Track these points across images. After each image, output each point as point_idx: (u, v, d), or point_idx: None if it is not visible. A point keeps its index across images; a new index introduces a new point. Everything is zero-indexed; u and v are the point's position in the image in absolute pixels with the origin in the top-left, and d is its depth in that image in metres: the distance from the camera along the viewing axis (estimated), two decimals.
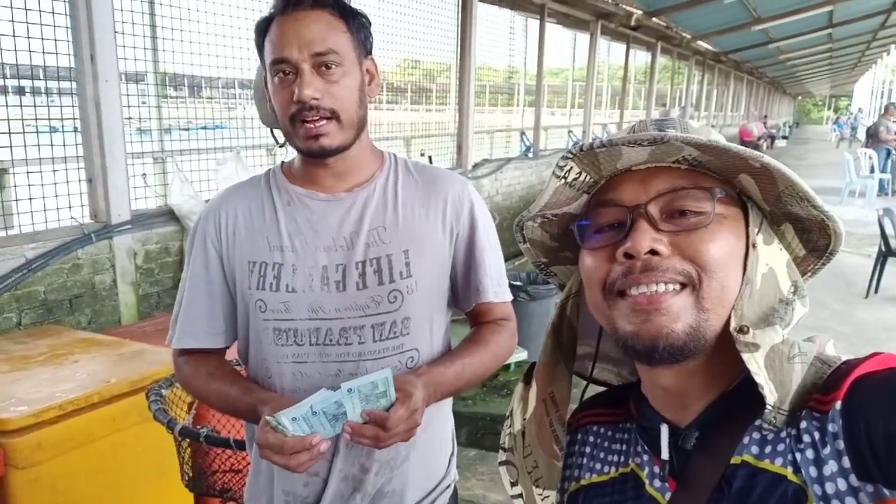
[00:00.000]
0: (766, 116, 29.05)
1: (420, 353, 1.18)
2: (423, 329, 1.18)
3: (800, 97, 60.94)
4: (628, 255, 0.61)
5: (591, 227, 0.66)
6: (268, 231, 1.16)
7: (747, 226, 0.63)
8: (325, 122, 1.08)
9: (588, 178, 0.66)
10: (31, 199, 3.07)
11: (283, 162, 1.25)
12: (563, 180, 0.65)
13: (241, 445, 1.51)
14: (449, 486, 1.29)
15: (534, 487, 0.77)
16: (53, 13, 3.02)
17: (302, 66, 1.06)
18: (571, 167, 0.64)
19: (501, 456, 0.82)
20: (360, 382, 0.95)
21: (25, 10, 2.93)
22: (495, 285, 1.22)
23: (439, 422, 1.26)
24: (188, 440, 1.68)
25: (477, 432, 3.40)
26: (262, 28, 1.11)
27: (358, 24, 1.13)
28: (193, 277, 1.20)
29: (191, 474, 1.80)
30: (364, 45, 1.15)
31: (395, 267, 1.13)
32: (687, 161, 0.62)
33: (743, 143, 20.25)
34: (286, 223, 1.16)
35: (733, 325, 0.60)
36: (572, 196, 0.68)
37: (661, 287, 0.59)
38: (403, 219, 1.16)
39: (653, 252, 0.60)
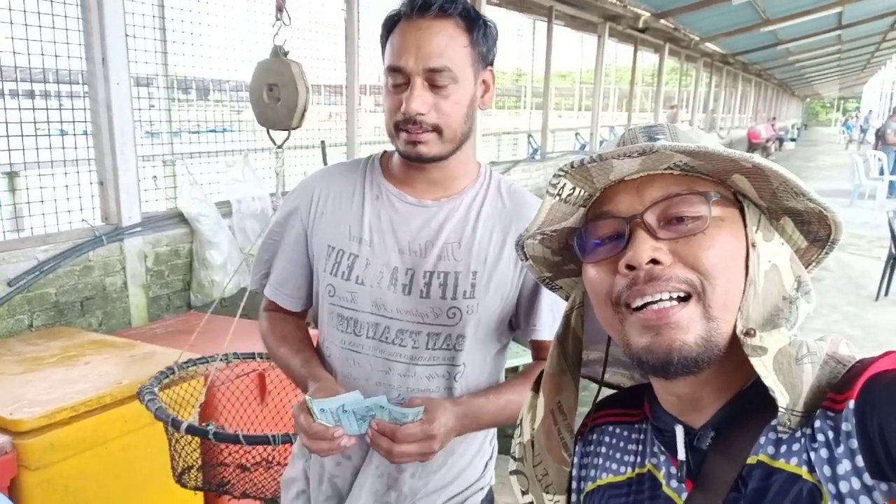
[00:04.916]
0: (774, 118, 28.85)
1: (466, 369, 1.17)
2: (477, 350, 1.17)
3: (808, 99, 60.60)
4: (630, 267, 0.61)
5: (591, 240, 0.66)
6: (351, 220, 1.18)
7: (745, 226, 0.63)
8: (425, 133, 1.09)
9: (582, 192, 0.66)
10: (42, 201, 3.10)
11: (385, 151, 1.27)
12: (557, 197, 0.66)
13: (250, 441, 1.55)
14: (483, 488, 1.28)
15: (544, 494, 0.78)
16: (66, 17, 3.05)
17: (414, 80, 1.06)
18: (564, 184, 0.64)
19: (512, 465, 0.82)
20: (395, 408, 1.00)
21: (38, 13, 2.95)
22: (554, 323, 1.20)
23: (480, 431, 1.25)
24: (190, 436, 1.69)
25: None
26: (388, 26, 1.11)
27: (481, 36, 1.11)
28: (285, 244, 1.26)
29: (179, 470, 1.82)
30: (485, 57, 1.14)
31: (460, 285, 1.13)
32: (678, 167, 0.62)
33: (751, 144, 20.17)
34: (370, 217, 1.18)
35: (739, 327, 0.60)
36: (568, 211, 0.68)
37: (666, 296, 0.59)
38: (480, 240, 1.16)
39: (654, 261, 0.60)
